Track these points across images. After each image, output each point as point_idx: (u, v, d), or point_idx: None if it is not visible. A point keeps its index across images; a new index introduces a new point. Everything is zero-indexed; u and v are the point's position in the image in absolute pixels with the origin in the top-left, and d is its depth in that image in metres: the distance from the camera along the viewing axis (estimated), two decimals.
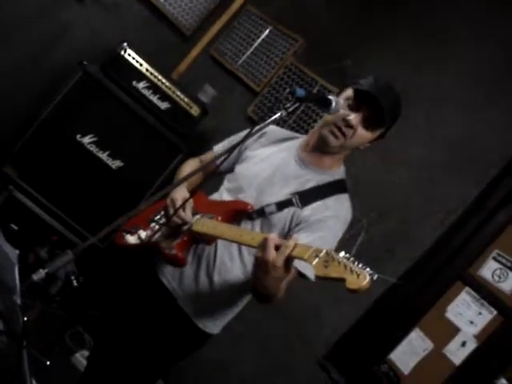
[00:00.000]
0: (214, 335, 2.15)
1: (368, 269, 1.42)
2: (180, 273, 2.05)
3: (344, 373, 2.99)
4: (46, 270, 1.56)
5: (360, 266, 1.43)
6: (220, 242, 1.99)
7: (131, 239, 2.17)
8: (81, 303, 3.54)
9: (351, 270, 1.41)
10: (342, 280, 1.42)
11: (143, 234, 2.16)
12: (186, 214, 1.99)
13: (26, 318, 1.22)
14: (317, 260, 1.50)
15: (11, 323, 1.24)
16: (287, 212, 1.94)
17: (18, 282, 1.29)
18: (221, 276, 2.01)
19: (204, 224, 1.96)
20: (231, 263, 2.01)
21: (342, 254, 1.49)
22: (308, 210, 1.94)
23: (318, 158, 2.03)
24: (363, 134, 1.94)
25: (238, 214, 1.99)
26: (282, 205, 1.95)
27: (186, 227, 2.00)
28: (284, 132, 2.25)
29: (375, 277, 1.40)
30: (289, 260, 1.60)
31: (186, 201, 1.97)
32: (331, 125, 1.94)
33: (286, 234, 1.95)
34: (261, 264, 1.62)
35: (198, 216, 2.02)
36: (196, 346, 2.17)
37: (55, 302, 3.51)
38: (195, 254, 2.03)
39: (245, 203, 1.98)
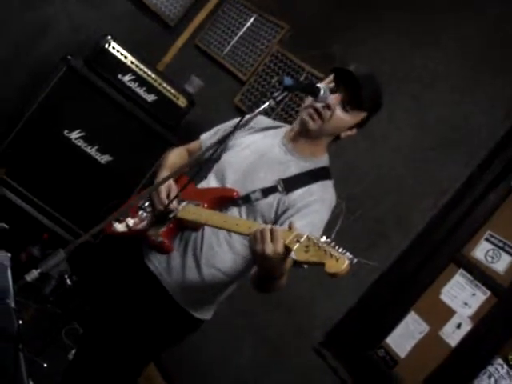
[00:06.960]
0: (205, 320, 2.16)
1: (348, 253, 1.44)
2: (167, 259, 2.06)
3: (341, 359, 3.00)
4: (38, 270, 1.55)
5: (340, 250, 1.45)
6: (207, 228, 2.00)
7: (119, 227, 2.20)
8: (76, 300, 3.53)
9: (331, 255, 1.43)
10: (322, 264, 1.44)
11: (131, 221, 2.19)
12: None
13: (21, 322, 1.21)
14: (297, 245, 1.53)
15: (6, 326, 1.23)
16: (272, 198, 1.96)
17: (11, 285, 1.28)
18: (208, 261, 2.02)
19: (190, 211, 1.98)
20: (219, 248, 2.02)
21: (323, 239, 1.51)
22: (293, 196, 1.96)
23: (301, 145, 2.04)
24: (341, 117, 1.94)
25: (223, 200, 2.01)
26: (267, 191, 1.97)
27: (171, 215, 2.01)
28: (269, 121, 2.27)
29: (355, 261, 1.43)
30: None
31: (171, 187, 1.98)
32: (310, 108, 1.96)
33: (272, 221, 1.96)
34: (261, 256, 1.62)
35: (184, 203, 2.04)
36: (187, 331, 2.19)
37: (49, 302, 3.50)
38: (182, 239, 2.05)
39: (231, 190, 2.00)
